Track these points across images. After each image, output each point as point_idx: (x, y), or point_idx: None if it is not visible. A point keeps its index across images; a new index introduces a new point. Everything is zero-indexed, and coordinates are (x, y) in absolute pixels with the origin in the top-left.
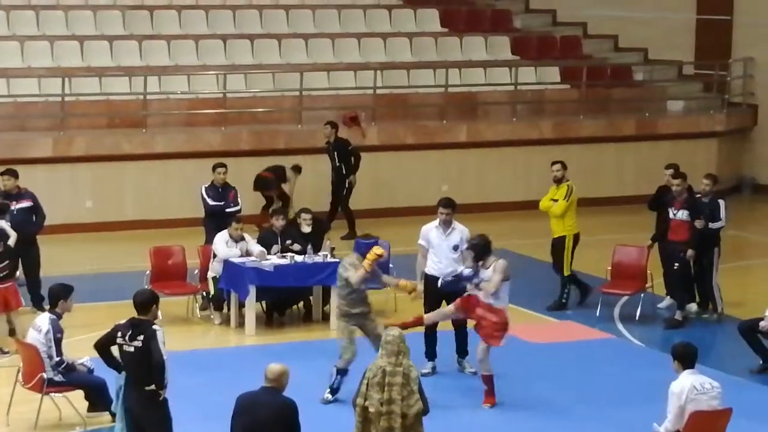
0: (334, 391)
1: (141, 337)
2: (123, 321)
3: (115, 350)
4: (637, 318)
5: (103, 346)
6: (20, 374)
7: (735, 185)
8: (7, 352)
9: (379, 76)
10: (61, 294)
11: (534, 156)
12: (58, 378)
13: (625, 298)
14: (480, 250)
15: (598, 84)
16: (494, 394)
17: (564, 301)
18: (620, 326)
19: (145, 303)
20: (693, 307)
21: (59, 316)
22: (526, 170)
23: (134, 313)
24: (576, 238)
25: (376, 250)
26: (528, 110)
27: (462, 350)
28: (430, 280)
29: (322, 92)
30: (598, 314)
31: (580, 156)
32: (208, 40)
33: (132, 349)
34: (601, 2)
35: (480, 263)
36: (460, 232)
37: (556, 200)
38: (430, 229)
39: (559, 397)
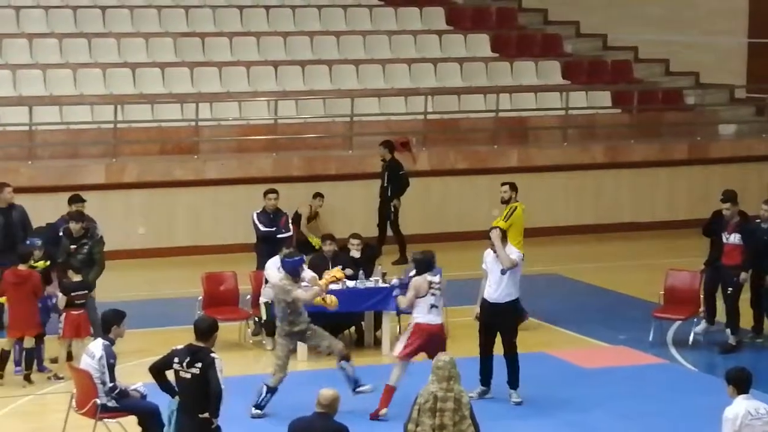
0: (260, 407)
1: (199, 365)
2: (180, 346)
3: (170, 375)
4: (690, 343)
5: (158, 370)
6: (74, 400)
7: None
8: (62, 378)
9: (429, 101)
10: (114, 320)
11: (585, 180)
12: (112, 404)
13: (678, 323)
14: (420, 265)
15: (649, 108)
16: (387, 403)
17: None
18: (673, 351)
19: (207, 330)
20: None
21: (112, 342)
22: (577, 195)
23: (187, 339)
24: None
25: (337, 273)
26: (579, 135)
27: (512, 381)
28: (483, 304)
29: (372, 118)
30: (651, 339)
31: (631, 180)
32: (259, 67)
33: (189, 375)
34: (652, 26)
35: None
36: (514, 253)
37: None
38: (488, 254)
39: (614, 423)
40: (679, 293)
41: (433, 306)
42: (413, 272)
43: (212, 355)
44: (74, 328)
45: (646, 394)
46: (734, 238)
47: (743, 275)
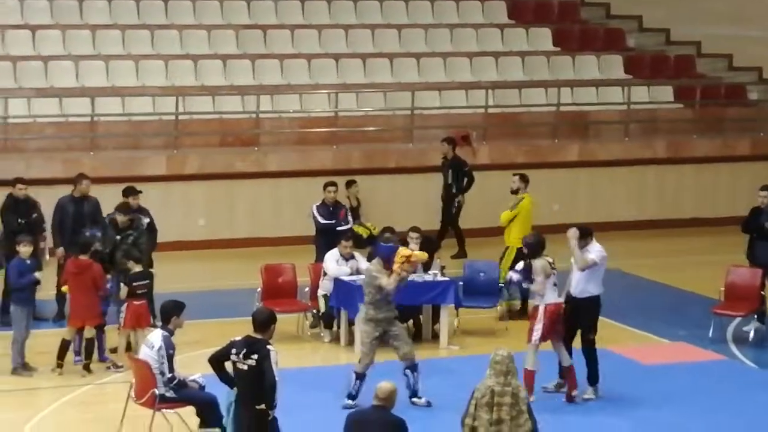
0: (352, 397)
1: (255, 356)
2: (239, 338)
3: (228, 366)
4: (750, 339)
5: (217, 361)
6: (132, 390)
7: None
8: (121, 367)
9: (490, 94)
10: (174, 311)
11: (647, 176)
12: (170, 394)
13: (738, 319)
14: (532, 248)
15: (712, 103)
16: (531, 390)
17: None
18: (733, 348)
19: (265, 322)
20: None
21: (171, 333)
22: (639, 190)
23: (245, 331)
24: (520, 251)
25: (403, 251)
26: (641, 129)
27: (590, 377)
28: (567, 298)
29: (433, 111)
30: (710, 335)
31: (694, 176)
32: (320, 59)
33: (245, 367)
34: (715, 21)
35: (530, 261)
36: (593, 252)
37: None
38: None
39: (674, 419)
40: (740, 290)
41: (554, 285)
42: (515, 275)
43: (268, 347)
44: (135, 318)
45: (707, 391)
46: None
47: None
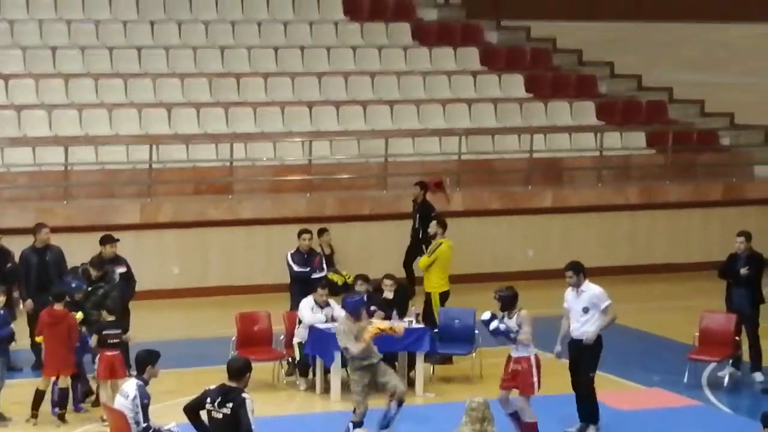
0: None
1: (230, 405)
2: (213, 386)
3: (203, 415)
4: (725, 384)
5: (192, 410)
6: None
7: None
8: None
9: (463, 141)
10: (148, 360)
11: (620, 221)
12: None
13: (713, 364)
14: (507, 301)
15: (684, 149)
16: None
17: None
18: (708, 393)
19: (240, 370)
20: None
21: (146, 382)
22: (612, 236)
23: (220, 379)
24: (444, 295)
25: (380, 324)
26: (614, 175)
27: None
28: (569, 342)
29: (407, 158)
30: (685, 381)
31: (666, 221)
32: (293, 107)
33: (220, 415)
34: (687, 67)
35: (506, 313)
36: (590, 295)
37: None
38: (568, 292)
39: None
40: (714, 335)
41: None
42: (488, 315)
43: (243, 395)
44: (109, 368)
45: None
46: None
47: None
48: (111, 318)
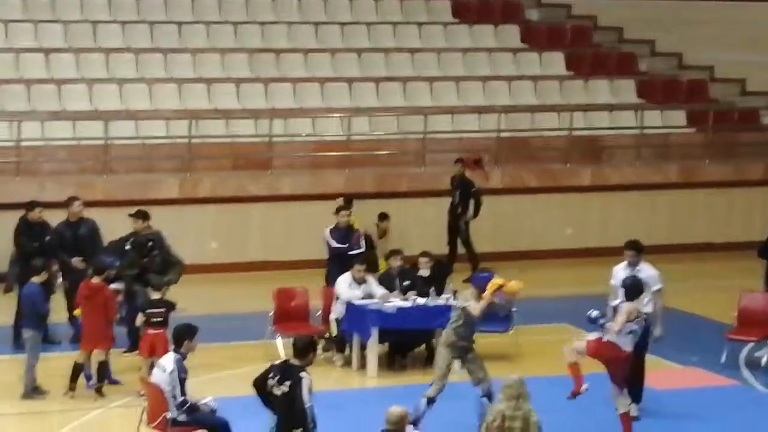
0: (415, 421)
1: (288, 383)
2: (278, 362)
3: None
4: (762, 364)
5: (259, 384)
6: (145, 413)
7: None
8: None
9: (503, 118)
10: (186, 334)
11: (659, 200)
12: (182, 418)
13: (751, 344)
14: (630, 290)
15: (724, 128)
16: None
17: None
18: (746, 373)
19: (304, 349)
20: None
21: (184, 356)
22: (651, 214)
23: (257, 355)
24: None
25: (497, 280)
26: (653, 154)
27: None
28: None
29: (445, 135)
30: (723, 360)
31: (706, 201)
32: (332, 83)
33: (279, 392)
34: (729, 46)
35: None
36: (647, 276)
37: None
38: (619, 270)
39: None
40: (753, 315)
41: (630, 332)
42: (595, 311)
43: (302, 373)
44: (150, 347)
45: (718, 417)
46: None
47: None
48: (156, 295)
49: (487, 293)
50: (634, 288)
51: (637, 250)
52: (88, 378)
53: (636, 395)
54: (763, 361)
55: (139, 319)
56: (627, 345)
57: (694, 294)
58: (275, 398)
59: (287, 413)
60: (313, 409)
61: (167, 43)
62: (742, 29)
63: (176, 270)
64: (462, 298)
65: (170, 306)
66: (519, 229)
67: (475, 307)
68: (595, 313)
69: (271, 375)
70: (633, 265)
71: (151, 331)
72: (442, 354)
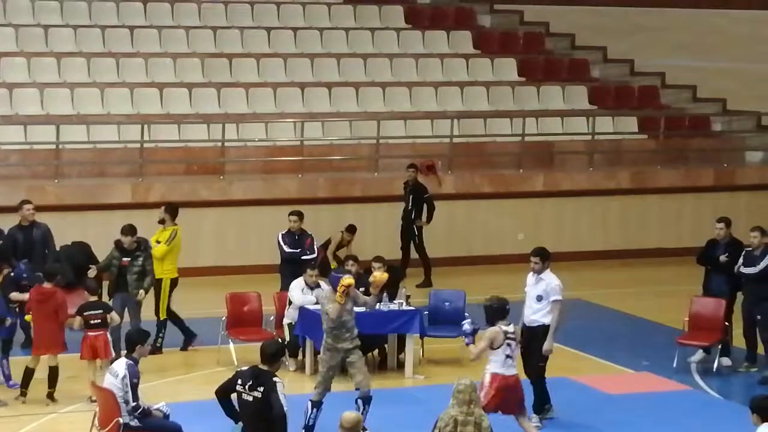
0: (309, 428)
1: (261, 388)
2: (245, 368)
3: (233, 397)
4: (714, 370)
5: (224, 392)
6: (96, 419)
7: None
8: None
9: (455, 124)
10: (138, 339)
11: (611, 206)
12: (134, 423)
13: (700, 351)
14: (490, 312)
15: (676, 134)
16: None
17: (159, 345)
18: (697, 378)
19: (274, 355)
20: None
21: (136, 361)
22: (603, 220)
23: (210, 359)
24: (174, 282)
25: (344, 280)
26: (605, 160)
27: (536, 407)
28: (522, 328)
29: (399, 140)
30: (674, 365)
31: (658, 206)
32: (286, 88)
33: (250, 398)
34: (680, 52)
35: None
36: (546, 284)
37: (159, 242)
38: (530, 277)
39: None
40: (704, 320)
41: (508, 357)
42: (468, 325)
43: (275, 378)
44: (91, 350)
45: (670, 421)
46: None
47: None
48: (93, 298)
49: (336, 296)
50: (497, 311)
51: (542, 257)
52: (8, 378)
53: (539, 404)
54: (715, 366)
55: (78, 321)
56: (511, 368)
57: (646, 299)
58: (245, 404)
59: (258, 419)
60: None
61: (119, 47)
62: (693, 36)
63: (148, 280)
64: (322, 300)
65: (108, 308)
66: (472, 234)
67: (331, 310)
68: (466, 326)
69: (239, 382)
70: (537, 272)
71: (91, 334)
72: (322, 359)
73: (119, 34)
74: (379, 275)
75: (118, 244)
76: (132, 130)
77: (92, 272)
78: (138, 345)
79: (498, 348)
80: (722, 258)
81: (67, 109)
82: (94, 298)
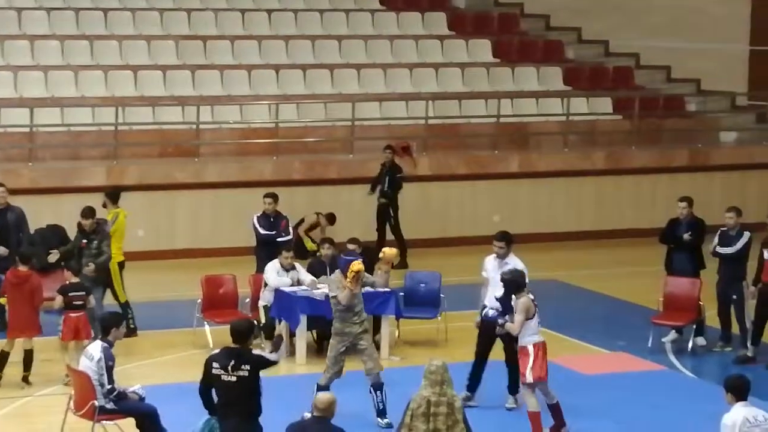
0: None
1: (247, 367)
2: (216, 352)
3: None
4: (689, 350)
5: (206, 387)
6: (72, 402)
7: None
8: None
9: (430, 106)
10: (113, 322)
11: (586, 187)
12: (110, 406)
13: (673, 331)
14: (510, 285)
15: (650, 115)
16: (540, 429)
17: (132, 327)
18: (672, 358)
19: (246, 332)
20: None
21: (111, 344)
22: (578, 201)
23: (187, 342)
24: (121, 265)
25: (354, 266)
26: (580, 141)
27: (512, 387)
28: (484, 312)
29: (373, 122)
30: (650, 345)
31: (632, 187)
32: (260, 70)
33: (234, 378)
34: (654, 33)
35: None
36: (512, 267)
37: None
38: (489, 261)
39: (610, 429)
40: (678, 300)
41: (539, 323)
42: (501, 319)
43: (254, 352)
44: (73, 330)
45: (645, 401)
46: None
47: None
48: (74, 279)
49: (346, 282)
50: (521, 283)
51: (507, 241)
52: None
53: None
54: (689, 345)
55: (59, 301)
56: (525, 340)
57: (620, 279)
58: (226, 386)
59: (241, 398)
60: None
61: (93, 30)
62: (667, 17)
63: (102, 259)
64: (331, 286)
65: (88, 290)
66: (447, 216)
67: (343, 297)
68: (491, 314)
69: (215, 366)
70: (502, 257)
71: (72, 315)
72: (331, 344)
73: (93, 17)
74: (388, 251)
75: (79, 226)
76: (106, 113)
77: (53, 257)
78: (113, 328)
79: (532, 318)
80: (686, 236)
81: (41, 91)
82: (75, 280)
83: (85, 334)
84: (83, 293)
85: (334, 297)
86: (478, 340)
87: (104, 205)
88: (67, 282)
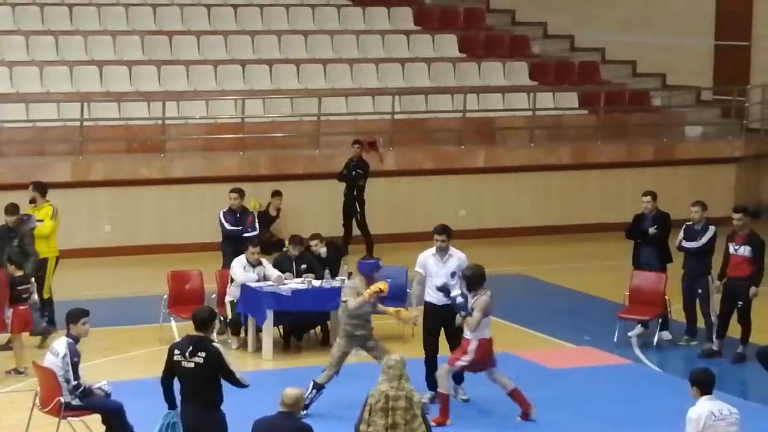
0: (304, 407)
1: (203, 354)
2: (178, 339)
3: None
4: (654, 344)
5: (168, 377)
6: (38, 398)
7: (754, 211)
8: (22, 372)
9: (397, 101)
10: (78, 317)
11: (552, 181)
12: (76, 402)
13: (639, 326)
14: (473, 281)
15: (616, 109)
16: (447, 413)
17: (52, 322)
18: (638, 352)
19: (206, 320)
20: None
21: (76, 340)
22: (544, 195)
23: (152, 338)
24: (57, 260)
25: (381, 285)
26: (546, 135)
27: (457, 377)
28: (428, 308)
29: (340, 117)
30: (615, 339)
31: (598, 181)
32: (226, 65)
33: (191, 365)
34: (620, 28)
35: (472, 294)
36: (458, 259)
37: (42, 221)
38: (428, 257)
39: (578, 424)
40: (644, 294)
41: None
42: (461, 298)
43: (215, 344)
44: (23, 322)
45: (611, 395)
46: (744, 250)
47: (753, 289)
48: (19, 272)
49: (368, 293)
50: (480, 278)
51: (449, 234)
52: None
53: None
54: (655, 340)
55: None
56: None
57: (586, 273)
58: (186, 372)
59: (200, 384)
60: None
61: (58, 25)
62: (632, 12)
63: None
64: (345, 290)
65: (33, 284)
66: (413, 211)
67: (353, 303)
68: (460, 300)
69: (176, 352)
70: (444, 250)
71: (21, 307)
72: (339, 343)
73: (58, 12)
74: (405, 313)
75: (5, 225)
76: (71, 108)
77: None
78: (73, 324)
79: (486, 316)
80: (651, 230)
81: (6, 87)
82: (20, 273)
83: (31, 326)
84: (29, 286)
85: (344, 301)
86: (425, 335)
87: (32, 201)
88: (13, 276)
